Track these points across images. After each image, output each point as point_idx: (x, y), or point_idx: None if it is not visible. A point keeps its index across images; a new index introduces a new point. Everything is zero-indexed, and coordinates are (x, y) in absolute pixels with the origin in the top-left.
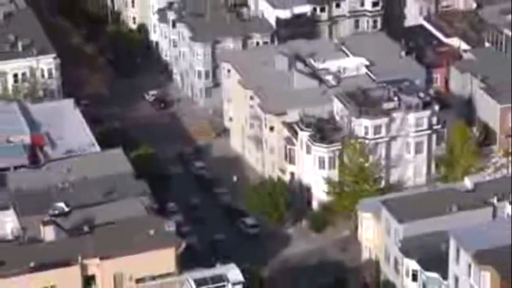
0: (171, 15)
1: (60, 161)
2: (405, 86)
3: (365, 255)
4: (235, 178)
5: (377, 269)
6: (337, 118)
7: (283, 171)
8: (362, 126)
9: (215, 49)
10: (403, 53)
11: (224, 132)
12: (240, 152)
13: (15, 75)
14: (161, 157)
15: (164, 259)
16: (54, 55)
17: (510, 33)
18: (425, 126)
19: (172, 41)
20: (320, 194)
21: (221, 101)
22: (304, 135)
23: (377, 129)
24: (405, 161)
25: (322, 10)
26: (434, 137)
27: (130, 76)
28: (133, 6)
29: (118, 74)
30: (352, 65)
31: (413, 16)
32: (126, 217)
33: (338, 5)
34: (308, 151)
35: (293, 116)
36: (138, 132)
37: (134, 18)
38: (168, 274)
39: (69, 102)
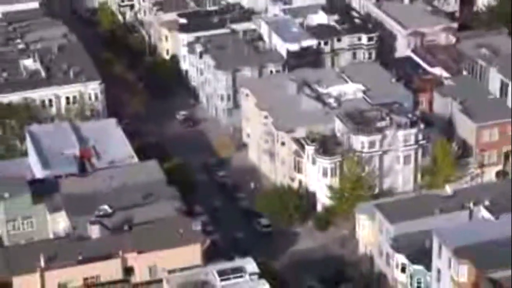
0: (199, 48)
1: (104, 171)
2: (395, 108)
3: (361, 251)
4: (252, 185)
5: (372, 262)
6: (338, 134)
7: (292, 179)
8: (359, 141)
9: (235, 76)
10: (393, 80)
11: (243, 146)
12: (256, 163)
13: (67, 98)
14: (189, 167)
15: (191, 253)
16: (99, 81)
17: (484, 64)
18: (412, 141)
19: (199, 70)
20: (323, 199)
21: (240, 120)
22: (310, 149)
23: (371, 144)
24: (395, 171)
25: (326, 43)
26: (420, 151)
27: (163, 98)
28: (166, 40)
29: (154, 97)
30: (351, 90)
31: (402, 49)
32: (160, 217)
33: (339, 40)
34: (314, 162)
35: (300, 133)
36: (170, 146)
37: (167, 50)
38: (195, 266)
39: (112, 121)
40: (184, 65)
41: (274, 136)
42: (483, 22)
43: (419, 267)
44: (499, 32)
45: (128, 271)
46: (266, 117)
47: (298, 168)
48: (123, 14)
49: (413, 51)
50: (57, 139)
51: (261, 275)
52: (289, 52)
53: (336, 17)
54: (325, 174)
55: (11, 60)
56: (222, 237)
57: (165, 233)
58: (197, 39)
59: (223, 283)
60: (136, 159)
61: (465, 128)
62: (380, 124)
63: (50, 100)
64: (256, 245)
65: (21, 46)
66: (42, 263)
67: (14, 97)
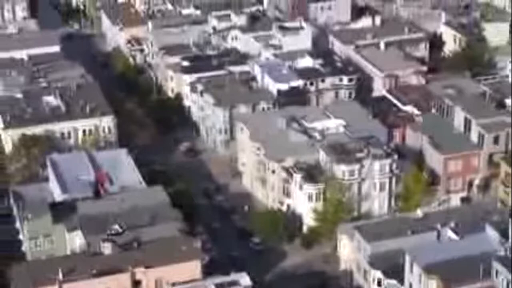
0: (200, 87)
1: (116, 195)
2: (372, 141)
3: (342, 267)
4: (246, 208)
5: (351, 277)
6: (322, 164)
7: (281, 203)
8: (340, 170)
9: (232, 112)
10: (370, 117)
11: (238, 174)
12: (250, 189)
13: (84, 131)
14: (191, 192)
15: (192, 268)
16: (112, 116)
17: (450, 103)
18: (387, 171)
19: (200, 106)
20: (309, 221)
21: (236, 151)
22: (297, 176)
23: (351, 172)
24: (372, 197)
25: (311, 84)
26: (394, 179)
27: (168, 132)
28: (171, 80)
29: (160, 130)
30: (333, 125)
31: (378, 89)
32: (164, 236)
33: (323, 81)
34: (300, 188)
35: (289, 162)
36: (174, 173)
37: (172, 89)
38: (195, 280)
39: (123, 151)
40: (187, 102)
41: (266, 165)
42: (449, 66)
43: (393, 282)
44: (463, 75)
45: (137, 284)
46: (258, 148)
47: (286, 193)
48: (134, 57)
49: (388, 91)
50: (75, 166)
51: None
52: (279, 91)
53: (320, 61)
54: (310, 198)
55: (35, 97)
56: (219, 254)
57: (169, 250)
58: (198, 79)
59: None
60: (144, 185)
61: (434, 159)
62: (358, 155)
63: (69, 132)
64: (249, 261)
65: (44, 84)
66: (61, 276)
67: (38, 129)
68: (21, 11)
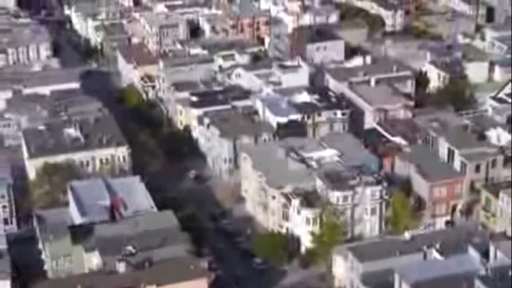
0: (206, 120)
1: (130, 218)
2: (364, 169)
3: (337, 285)
4: (249, 231)
5: None
6: (318, 190)
7: (281, 226)
8: (335, 196)
9: (236, 143)
10: (362, 147)
11: (241, 199)
12: (252, 213)
13: (101, 160)
14: (199, 216)
15: (199, 286)
16: (127, 146)
17: (435, 135)
18: (378, 196)
19: (207, 137)
20: (306, 242)
21: (239, 178)
22: (296, 202)
23: (345, 198)
24: (364, 221)
25: (308, 117)
26: (384, 204)
27: (178, 161)
28: (181, 114)
29: (170, 160)
30: (328, 155)
31: (369, 122)
32: (174, 257)
33: (319, 114)
34: (299, 213)
35: (288, 189)
36: (183, 199)
37: (181, 122)
38: None
39: (136, 178)
40: (195, 134)
41: (267, 191)
42: (433, 101)
43: None
44: (446, 109)
45: None
46: (260, 176)
47: (286, 217)
48: (146, 93)
49: (378, 124)
50: (92, 192)
51: None
52: (279, 124)
53: (316, 96)
54: (308, 222)
55: (57, 129)
56: (224, 273)
57: (178, 270)
58: (205, 113)
59: None
60: (155, 210)
61: (420, 186)
62: (352, 182)
63: (87, 161)
64: (252, 280)
65: (65, 118)
66: None
67: (59, 158)
68: (45, 51)
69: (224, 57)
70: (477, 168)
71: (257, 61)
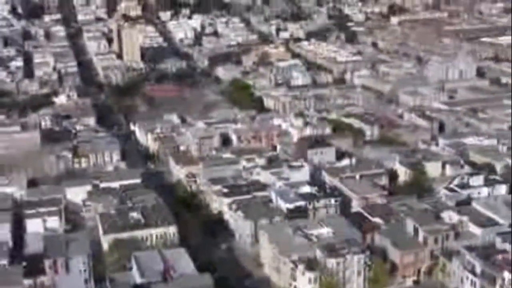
0: (234, 206)
1: (177, 279)
2: (352, 242)
3: None
4: None
5: None
6: (318, 258)
7: (290, 285)
8: (331, 262)
9: (256, 224)
10: (350, 226)
11: (260, 265)
12: (269, 275)
13: (156, 236)
14: (229, 277)
15: None
16: (175, 226)
17: (403, 215)
18: (362, 262)
19: (235, 219)
20: None
21: (259, 249)
22: (301, 267)
23: (338, 264)
24: (352, 280)
25: (310, 204)
26: (367, 268)
27: (213, 236)
28: (215, 201)
29: (208, 235)
30: (325, 232)
31: (355, 207)
32: None
33: (318, 201)
34: (303, 274)
35: (295, 257)
36: (217, 264)
37: (216, 207)
38: None
39: (183, 250)
40: (226, 217)
41: (279, 259)
42: (402, 191)
43: None
44: (411, 197)
45: None
46: (274, 248)
47: (293, 278)
48: (190, 186)
49: (362, 208)
50: (150, 260)
51: None
52: (288, 209)
53: (316, 188)
54: (310, 282)
55: (124, 213)
56: None
57: None
58: (234, 201)
59: None
60: (196, 273)
61: (394, 254)
62: (343, 252)
63: (147, 237)
64: None
65: (130, 205)
66: None
67: (125, 235)
68: (116, 156)
69: (247, 160)
70: (436, 240)
71: (272, 162)
